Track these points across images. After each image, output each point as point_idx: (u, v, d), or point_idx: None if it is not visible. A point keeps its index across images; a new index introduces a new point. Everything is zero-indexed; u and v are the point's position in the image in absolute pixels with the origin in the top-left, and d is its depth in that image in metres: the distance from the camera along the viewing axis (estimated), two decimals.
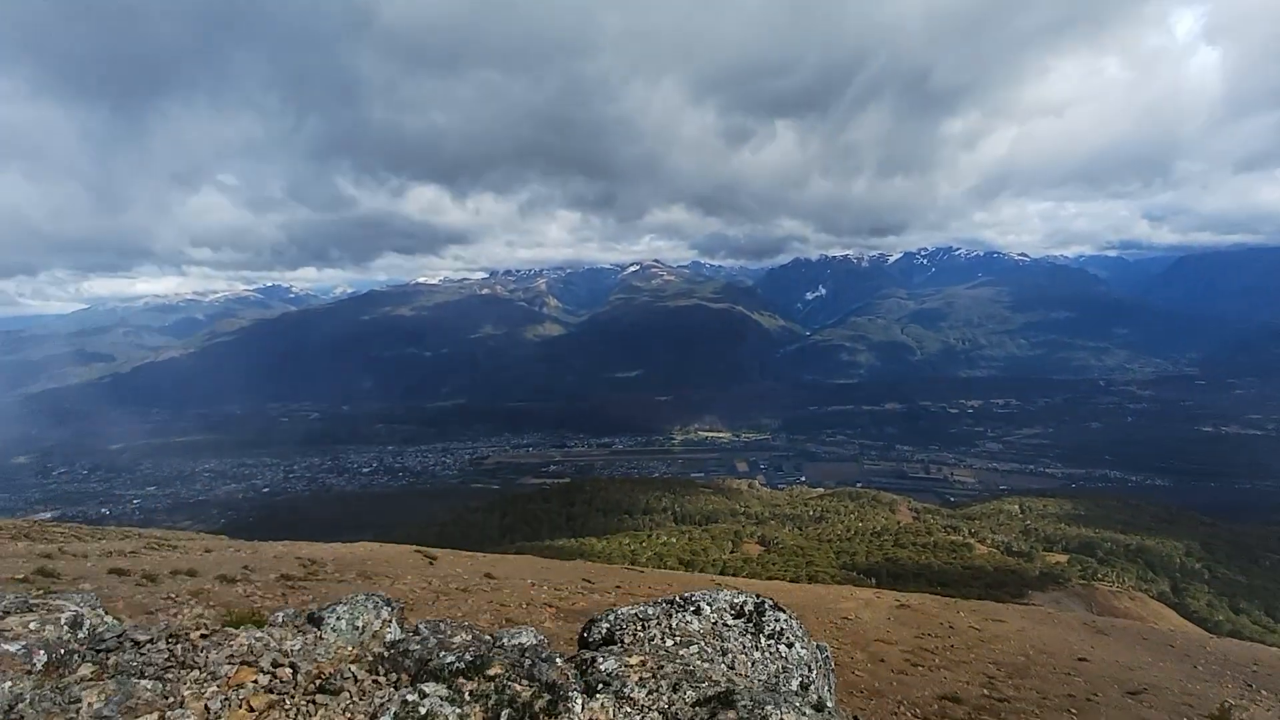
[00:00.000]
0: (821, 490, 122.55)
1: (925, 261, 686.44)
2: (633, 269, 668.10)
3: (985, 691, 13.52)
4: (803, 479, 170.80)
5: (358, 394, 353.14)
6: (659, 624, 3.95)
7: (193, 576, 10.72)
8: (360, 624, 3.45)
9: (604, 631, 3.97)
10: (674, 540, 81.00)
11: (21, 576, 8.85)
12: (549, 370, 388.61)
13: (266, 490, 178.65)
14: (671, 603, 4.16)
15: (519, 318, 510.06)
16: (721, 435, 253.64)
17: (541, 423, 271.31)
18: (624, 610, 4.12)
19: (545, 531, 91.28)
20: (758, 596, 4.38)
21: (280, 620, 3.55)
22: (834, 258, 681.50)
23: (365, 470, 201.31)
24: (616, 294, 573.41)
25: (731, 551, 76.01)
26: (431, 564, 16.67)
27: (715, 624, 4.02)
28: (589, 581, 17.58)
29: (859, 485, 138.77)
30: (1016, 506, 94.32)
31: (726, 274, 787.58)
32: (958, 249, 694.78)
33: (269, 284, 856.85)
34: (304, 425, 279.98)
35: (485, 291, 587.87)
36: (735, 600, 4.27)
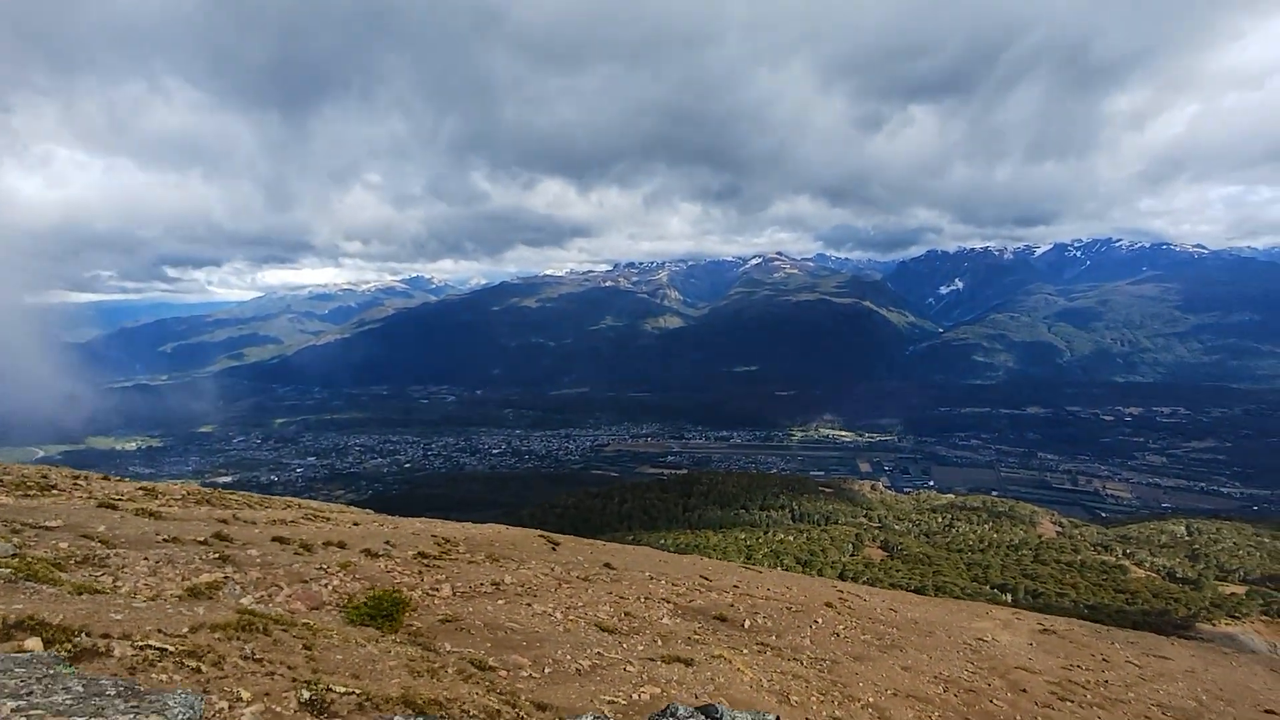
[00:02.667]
0: (951, 496, 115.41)
1: (1079, 254, 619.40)
2: (755, 262, 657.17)
3: None
4: (930, 484, 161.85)
5: (489, 380, 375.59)
6: None
7: (342, 549, 11.71)
8: None
9: None
10: (791, 539, 79.25)
11: (203, 539, 10.06)
12: (668, 362, 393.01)
13: (408, 465, 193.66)
14: None
15: (640, 310, 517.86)
16: (843, 434, 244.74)
17: (660, 414, 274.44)
18: None
19: (662, 521, 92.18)
20: None
21: None
22: (973, 250, 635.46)
23: (495, 452, 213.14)
24: (737, 287, 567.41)
25: (852, 554, 73.41)
26: (554, 549, 17.21)
27: None
28: (706, 579, 17.47)
29: (994, 493, 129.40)
30: (1183, 528, 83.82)
31: (853, 267, 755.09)
32: (1118, 240, 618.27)
33: (413, 275, 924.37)
34: (441, 408, 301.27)
35: (608, 284, 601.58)
36: None
